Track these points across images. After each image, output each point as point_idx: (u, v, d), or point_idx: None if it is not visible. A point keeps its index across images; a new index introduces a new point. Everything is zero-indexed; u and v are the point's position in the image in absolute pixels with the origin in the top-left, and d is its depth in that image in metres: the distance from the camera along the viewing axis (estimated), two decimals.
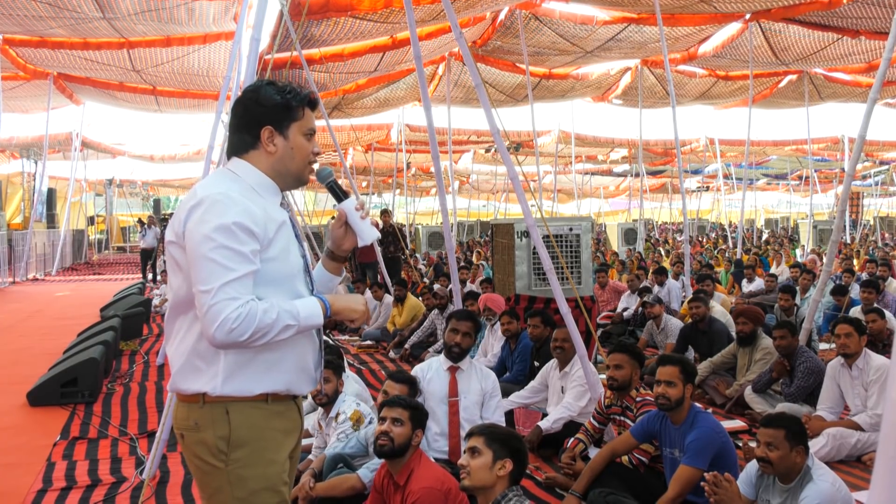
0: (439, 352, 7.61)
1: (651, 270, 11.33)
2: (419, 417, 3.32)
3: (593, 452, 4.16)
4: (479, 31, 13.50)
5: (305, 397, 5.18)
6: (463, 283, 10.03)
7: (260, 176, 2.04)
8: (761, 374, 5.66)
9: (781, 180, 35.62)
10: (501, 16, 12.86)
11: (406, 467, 3.23)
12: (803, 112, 17.61)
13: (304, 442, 4.50)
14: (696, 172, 31.46)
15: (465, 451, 2.94)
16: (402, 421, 3.25)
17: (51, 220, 22.81)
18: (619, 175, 34.80)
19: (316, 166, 2.19)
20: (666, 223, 38.84)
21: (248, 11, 6.33)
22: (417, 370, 4.49)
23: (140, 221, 18.07)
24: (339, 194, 2.19)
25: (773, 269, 13.58)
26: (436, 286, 9.62)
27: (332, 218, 2.28)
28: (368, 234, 2.17)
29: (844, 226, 21.41)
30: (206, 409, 1.96)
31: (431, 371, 4.43)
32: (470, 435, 2.97)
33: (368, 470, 3.61)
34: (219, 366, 1.95)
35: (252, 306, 1.85)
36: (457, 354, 4.39)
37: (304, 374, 2.07)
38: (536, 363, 5.82)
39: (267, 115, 2.03)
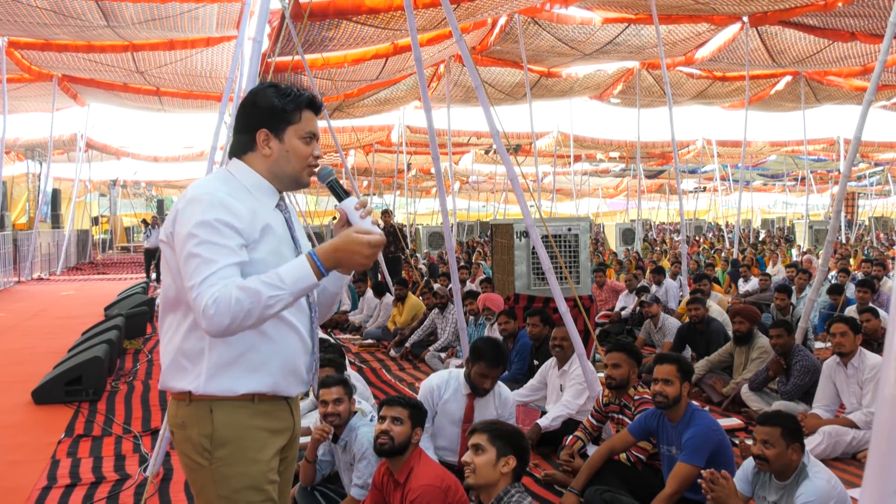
0: (440, 350, 7.71)
1: (649, 270, 11.39)
2: (419, 416, 3.35)
3: (592, 450, 4.18)
4: (479, 37, 13.55)
5: (306, 395, 5.23)
6: (463, 282, 10.09)
7: (256, 177, 2.05)
8: (758, 372, 5.71)
9: (778, 181, 35.70)
10: (501, 21, 12.90)
11: (406, 465, 3.26)
12: (799, 114, 17.68)
13: (307, 440, 4.57)
14: (692, 172, 31.53)
15: (468, 448, 2.96)
16: (402, 420, 3.27)
17: (55, 221, 22.82)
18: (617, 176, 34.87)
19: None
20: (664, 223, 38.90)
21: (251, 14, 6.37)
22: (433, 386, 4.28)
23: (144, 221, 18.12)
24: (340, 193, 2.18)
25: (769, 269, 13.65)
26: (436, 286, 9.68)
27: (334, 218, 2.28)
28: None
29: (840, 226, 21.47)
30: (191, 407, 1.97)
31: (449, 391, 4.24)
32: (473, 431, 3.00)
33: (358, 487, 3.62)
34: (202, 365, 1.96)
35: (227, 289, 1.80)
36: (481, 391, 4.19)
37: (292, 377, 2.05)
38: (536, 362, 5.87)
39: (262, 117, 2.03)
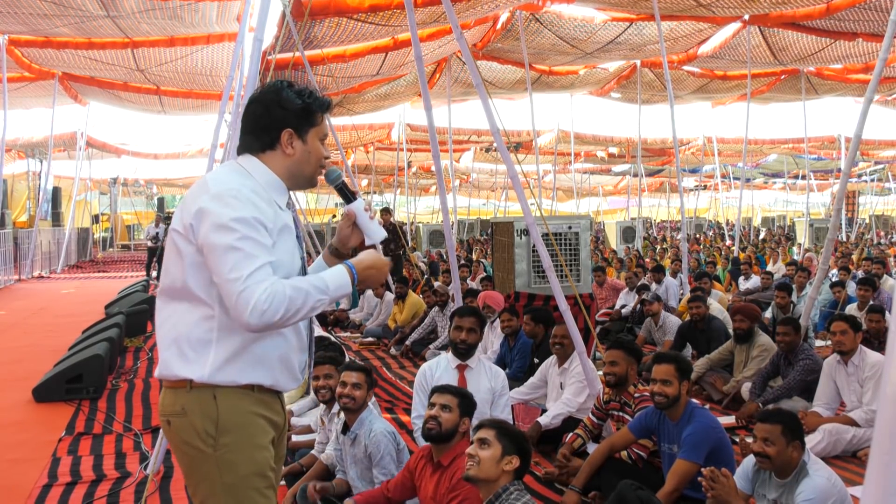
0: (440, 349, 7.71)
1: (649, 268, 11.38)
2: (467, 405, 3.42)
3: (592, 448, 4.20)
4: (480, 34, 13.52)
5: (306, 393, 5.25)
6: (463, 280, 10.09)
7: (271, 175, 2.07)
8: (758, 372, 5.73)
9: (778, 179, 35.66)
10: (502, 19, 12.88)
11: (452, 451, 3.32)
12: (800, 111, 17.64)
13: (307, 437, 4.57)
14: (693, 171, 31.50)
15: (473, 442, 2.98)
16: (451, 407, 3.34)
17: (56, 219, 22.83)
18: (617, 174, 34.83)
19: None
20: (664, 221, 38.87)
21: (251, 12, 6.37)
22: (426, 368, 4.41)
23: (160, 217, 18.26)
24: (348, 195, 2.25)
25: (769, 267, 13.64)
26: (436, 284, 9.68)
27: (334, 216, 2.32)
28: (377, 234, 2.26)
29: (841, 224, 21.46)
30: (193, 394, 1.98)
31: (440, 370, 4.34)
32: (480, 426, 3.02)
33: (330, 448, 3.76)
34: (208, 357, 1.97)
35: (278, 285, 1.87)
36: (463, 351, 4.31)
37: (287, 372, 2.10)
38: (536, 360, 5.88)
39: (288, 118, 2.05)
